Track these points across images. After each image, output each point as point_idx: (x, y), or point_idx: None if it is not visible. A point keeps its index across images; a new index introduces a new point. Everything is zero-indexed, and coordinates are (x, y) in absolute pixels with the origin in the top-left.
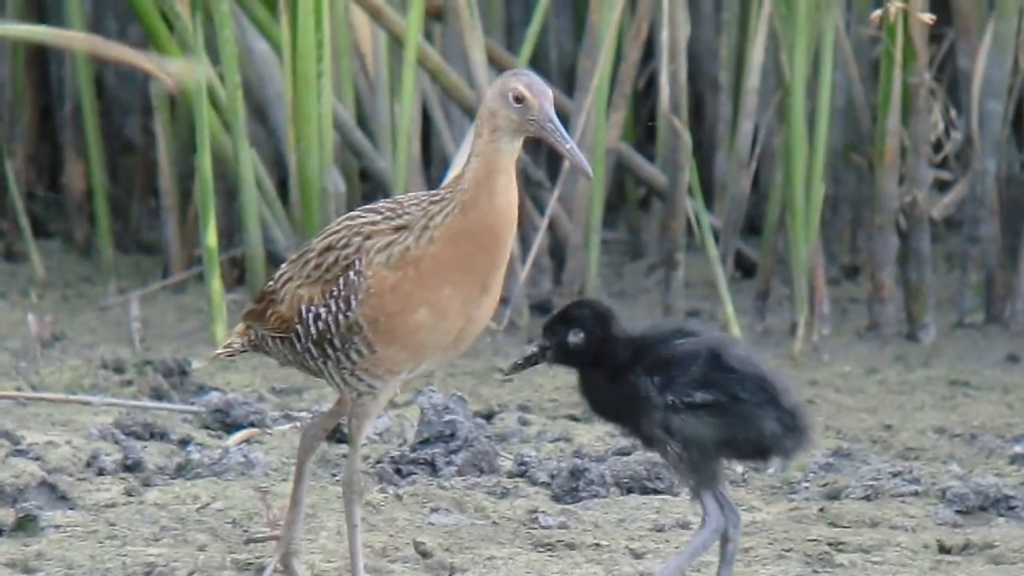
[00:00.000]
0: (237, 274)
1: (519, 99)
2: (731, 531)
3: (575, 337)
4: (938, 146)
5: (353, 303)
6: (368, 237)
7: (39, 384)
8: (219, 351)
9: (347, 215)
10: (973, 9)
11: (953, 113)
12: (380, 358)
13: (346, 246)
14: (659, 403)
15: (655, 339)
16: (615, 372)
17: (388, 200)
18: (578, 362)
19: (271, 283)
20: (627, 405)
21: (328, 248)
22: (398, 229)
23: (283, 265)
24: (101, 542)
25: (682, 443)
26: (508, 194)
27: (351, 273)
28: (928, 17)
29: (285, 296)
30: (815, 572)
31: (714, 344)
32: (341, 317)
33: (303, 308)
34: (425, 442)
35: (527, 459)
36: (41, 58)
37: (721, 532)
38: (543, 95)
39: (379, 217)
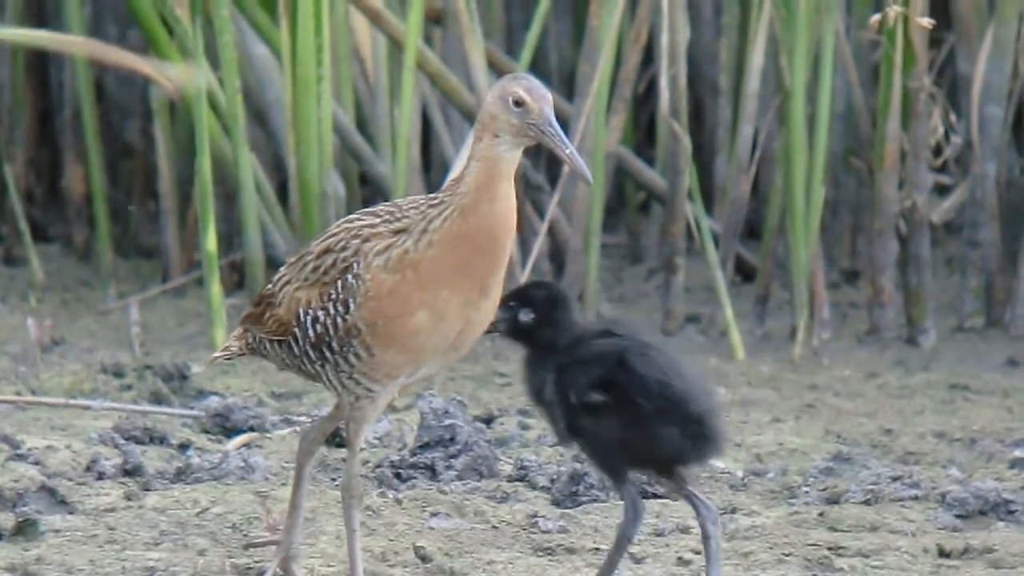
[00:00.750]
0: (237, 278)
1: (519, 103)
2: (710, 528)
3: (526, 316)
4: (938, 150)
5: (351, 306)
6: (366, 240)
7: (39, 388)
8: (217, 355)
9: (346, 218)
10: (973, 13)
11: (953, 117)
12: (379, 361)
13: (344, 248)
14: (562, 402)
15: (580, 338)
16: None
17: (387, 204)
18: (526, 342)
19: (269, 286)
20: (543, 396)
21: (326, 251)
22: (397, 232)
23: (281, 268)
24: (101, 546)
25: (586, 442)
26: (508, 200)
27: (349, 276)
28: (927, 21)
29: (283, 299)
30: None
31: (625, 347)
32: (339, 320)
33: (301, 311)
34: (425, 446)
35: (527, 463)
36: (41, 62)
37: (639, 524)
38: (543, 99)
39: (378, 220)
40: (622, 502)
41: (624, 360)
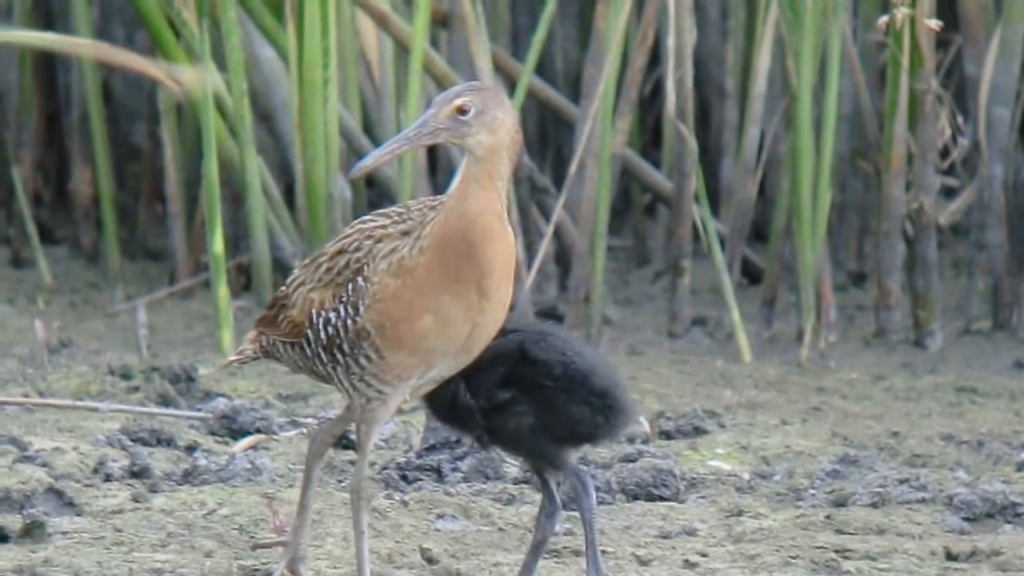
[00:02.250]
0: (244, 281)
1: None
2: (546, 523)
3: None
4: (945, 152)
5: (361, 308)
6: (379, 240)
7: (46, 390)
8: (232, 358)
9: (360, 219)
10: (980, 15)
11: (960, 119)
12: (389, 363)
13: (357, 249)
14: (475, 407)
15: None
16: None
17: (399, 205)
18: None
19: (283, 288)
20: (454, 411)
21: (340, 251)
22: (403, 234)
23: (295, 270)
24: (108, 548)
25: (508, 440)
26: (478, 201)
27: (360, 279)
28: (935, 23)
29: (297, 300)
30: None
31: (522, 339)
32: (350, 322)
33: (314, 313)
34: (431, 448)
35: None
36: (48, 65)
37: (592, 493)
38: (434, 102)
39: (388, 221)
40: (573, 485)
41: (525, 352)
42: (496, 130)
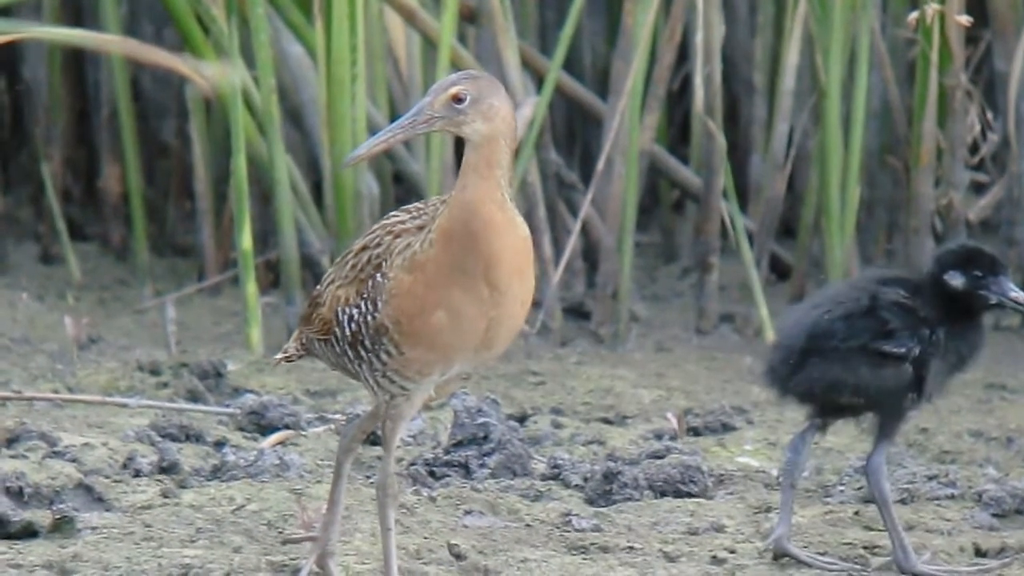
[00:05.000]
0: (272, 277)
1: None
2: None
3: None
4: (974, 148)
5: (379, 304)
6: (398, 236)
7: (76, 386)
8: (279, 357)
9: (387, 215)
10: (1010, 10)
11: (989, 115)
12: (408, 359)
13: (378, 245)
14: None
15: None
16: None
17: (421, 201)
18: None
19: (319, 286)
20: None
21: (364, 248)
22: (419, 229)
23: (331, 268)
24: (137, 544)
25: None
26: (476, 191)
27: (378, 275)
28: (965, 19)
29: (327, 298)
30: None
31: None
32: (370, 318)
33: (339, 309)
34: (458, 444)
35: (560, 462)
36: (77, 62)
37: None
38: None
39: (407, 217)
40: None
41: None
42: (492, 118)
